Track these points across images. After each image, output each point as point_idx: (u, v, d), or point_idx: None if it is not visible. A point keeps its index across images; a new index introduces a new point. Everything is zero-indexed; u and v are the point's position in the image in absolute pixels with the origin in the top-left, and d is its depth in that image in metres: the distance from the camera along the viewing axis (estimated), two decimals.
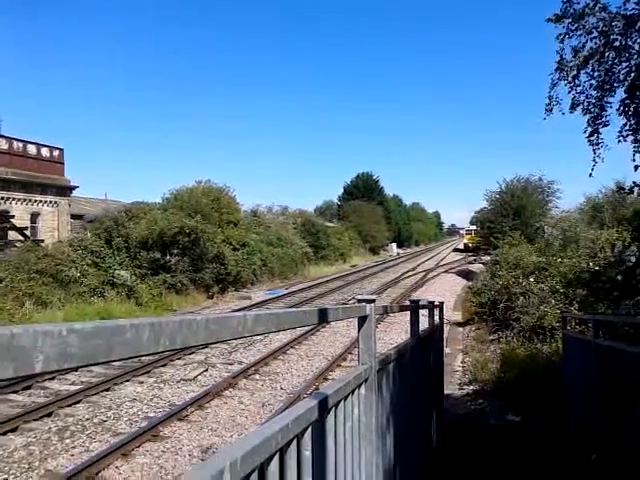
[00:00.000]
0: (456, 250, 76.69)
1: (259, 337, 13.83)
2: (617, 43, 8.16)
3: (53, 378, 10.25)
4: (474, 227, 63.98)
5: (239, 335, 1.36)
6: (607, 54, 8.26)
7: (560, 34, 8.32)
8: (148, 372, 11.03)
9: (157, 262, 21.97)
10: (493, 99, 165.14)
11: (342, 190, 73.53)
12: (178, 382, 10.52)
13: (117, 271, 20.45)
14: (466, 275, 32.71)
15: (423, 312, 5.53)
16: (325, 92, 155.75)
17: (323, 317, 2.10)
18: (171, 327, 1.04)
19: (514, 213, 31.87)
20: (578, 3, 8.13)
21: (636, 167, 8.48)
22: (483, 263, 30.41)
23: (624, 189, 10.67)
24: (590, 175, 8.85)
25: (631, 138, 8.43)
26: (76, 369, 9.77)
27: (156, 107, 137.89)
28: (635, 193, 10.01)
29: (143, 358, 10.68)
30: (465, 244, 71.35)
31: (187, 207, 25.83)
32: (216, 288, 24.43)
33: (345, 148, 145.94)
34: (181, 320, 1.08)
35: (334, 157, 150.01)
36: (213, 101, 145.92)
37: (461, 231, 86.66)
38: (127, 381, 10.41)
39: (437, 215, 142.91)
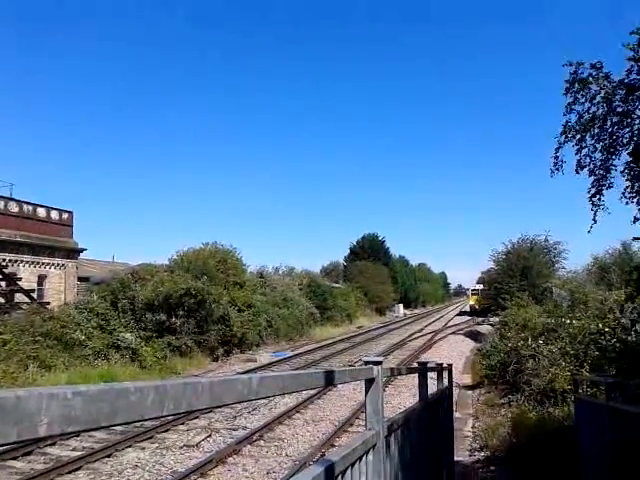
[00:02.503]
0: (462, 314, 68.50)
1: (264, 401, 13.57)
2: (619, 109, 8.49)
3: (54, 443, 10.01)
4: (480, 286, 61.07)
5: (244, 398, 1.35)
6: (610, 119, 8.57)
7: (569, 103, 8.75)
8: (150, 437, 10.78)
9: (162, 324, 21.85)
10: (498, 158, 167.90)
11: (348, 251, 73.77)
12: (181, 448, 10.25)
13: (122, 334, 20.31)
14: (474, 336, 32.28)
15: (431, 375, 5.44)
16: (331, 156, 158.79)
17: (329, 380, 2.08)
18: (176, 390, 1.04)
19: (521, 274, 31.81)
20: (582, 73, 8.56)
21: (635, 219, 8.66)
22: (491, 324, 30.09)
23: (637, 238, 10.77)
24: (588, 232, 9.14)
25: (636, 199, 8.62)
26: (78, 434, 9.58)
27: (164, 171, 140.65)
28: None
29: (145, 423, 10.48)
30: (471, 306, 65.62)
31: (193, 269, 25.91)
32: (221, 350, 24.16)
33: (351, 210, 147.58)
34: (185, 383, 1.08)
35: (340, 218, 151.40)
36: (220, 165, 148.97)
37: (467, 291, 76.43)
38: (129, 447, 10.16)
39: (443, 275, 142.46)
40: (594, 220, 8.91)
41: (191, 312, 22.58)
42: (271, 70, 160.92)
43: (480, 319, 46.21)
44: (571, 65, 8.66)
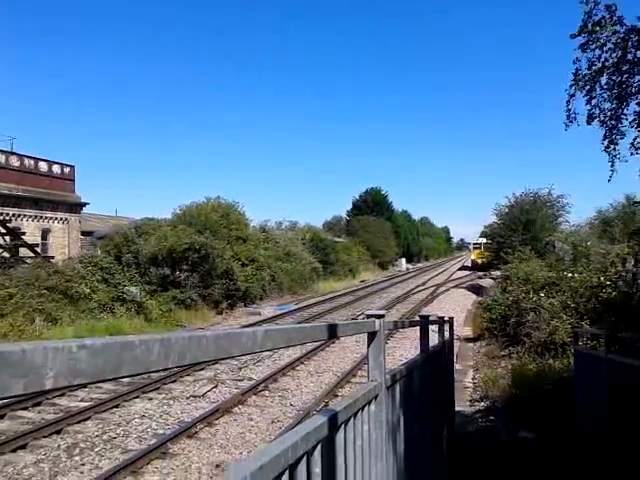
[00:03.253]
0: (464, 268, 66.46)
1: (268, 353, 13.79)
2: (630, 56, 8.20)
3: (62, 395, 10.24)
4: (483, 239, 56.48)
5: (249, 351, 1.36)
6: (621, 67, 8.30)
7: (582, 44, 8.38)
8: (157, 389, 11.01)
9: (167, 278, 22.03)
10: (504, 111, 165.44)
11: (351, 205, 73.66)
12: (187, 399, 10.48)
13: (127, 287, 20.51)
14: (476, 290, 32.52)
15: (433, 328, 5.50)
16: (335, 108, 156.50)
17: (332, 333, 2.09)
18: (180, 343, 1.04)
19: (524, 228, 31.75)
20: (596, 15, 8.18)
21: None
22: (493, 278, 30.26)
23: (637, 202, 10.68)
24: (609, 180, 8.95)
25: None
26: (85, 385, 9.78)
27: (166, 124, 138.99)
28: None
29: (152, 375, 10.68)
30: (473, 261, 62.95)
31: (196, 223, 25.96)
32: (225, 304, 24.44)
33: (354, 163, 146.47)
34: (190, 336, 1.08)
35: (343, 172, 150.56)
36: (223, 118, 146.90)
37: (469, 245, 71.75)
38: (136, 398, 10.39)
39: (446, 230, 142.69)
40: (612, 170, 8.75)
41: (195, 266, 22.73)
42: (278, 22, 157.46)
43: (482, 274, 44.85)
44: (587, 4, 8.24)
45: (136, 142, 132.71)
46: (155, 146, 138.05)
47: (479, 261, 56.73)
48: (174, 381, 11.58)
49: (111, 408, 9.69)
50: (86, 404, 9.79)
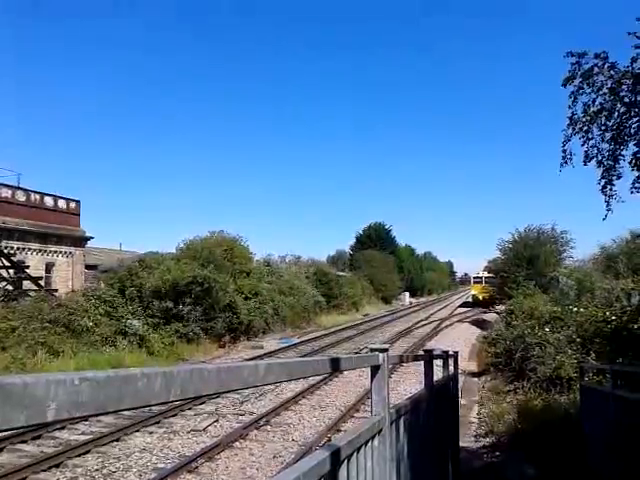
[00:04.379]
0: (465, 305, 60.26)
1: (271, 387, 13.65)
2: (627, 99, 8.41)
3: (63, 428, 10.12)
4: (485, 273, 52.43)
5: (250, 384, 1.36)
6: (618, 108, 8.50)
7: (572, 92, 8.67)
8: (158, 422, 10.88)
9: (169, 311, 21.96)
10: (506, 149, 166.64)
11: (354, 240, 73.73)
12: (188, 433, 10.35)
13: (129, 320, 20.45)
14: (480, 324, 32.32)
15: (437, 362, 5.46)
16: (338, 145, 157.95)
17: (335, 366, 2.09)
18: (182, 376, 1.04)
19: (527, 263, 31.66)
20: (587, 63, 8.47)
21: None
22: (497, 312, 30.09)
23: (638, 236, 10.79)
24: (604, 219, 9.08)
25: None
26: (87, 418, 9.68)
27: (170, 160, 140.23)
28: None
29: (153, 408, 10.57)
30: (474, 296, 56.80)
31: (200, 257, 25.99)
32: (228, 337, 24.29)
33: (357, 199, 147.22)
34: (192, 369, 1.08)
35: (347, 208, 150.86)
36: (228, 154, 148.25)
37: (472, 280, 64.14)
38: (137, 431, 10.26)
39: (450, 264, 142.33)
40: (608, 210, 8.89)
41: (198, 300, 22.68)
42: (273, 54, 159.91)
43: (483, 310, 42.92)
44: (573, 56, 8.59)
45: (141, 177, 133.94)
46: (160, 181, 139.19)
47: (480, 297, 51.98)
48: (175, 415, 11.45)
49: (111, 442, 9.57)
50: (86, 437, 9.67)
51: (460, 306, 60.24)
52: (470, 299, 61.31)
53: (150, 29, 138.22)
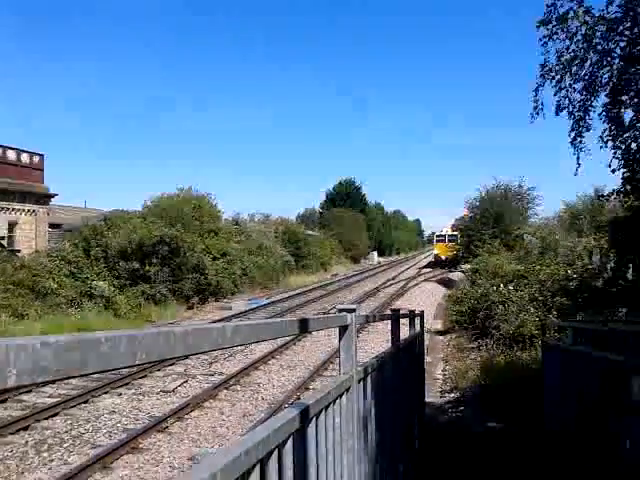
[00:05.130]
0: (428, 266, 55.48)
1: (240, 348, 13.74)
2: (599, 47, 8.20)
3: (30, 391, 10.05)
4: (447, 230, 51.69)
5: (218, 347, 1.35)
6: (590, 57, 8.29)
7: (544, 36, 8.36)
8: (127, 384, 10.89)
9: (136, 272, 21.74)
10: (473, 103, 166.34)
11: (324, 197, 73.62)
12: (158, 394, 10.39)
13: (95, 282, 20.20)
14: (446, 283, 32.89)
15: (404, 321, 5.54)
16: (308, 98, 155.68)
17: (304, 327, 2.09)
18: (148, 340, 1.02)
19: (494, 221, 32.14)
20: (562, 6, 8.17)
21: (614, 170, 8.62)
22: (463, 271, 30.66)
23: (603, 196, 10.87)
24: (575, 174, 9.01)
25: (611, 144, 8.51)
26: (53, 382, 9.60)
27: (136, 115, 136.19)
28: (612, 200, 10.16)
29: (122, 370, 10.55)
30: (436, 256, 53.37)
31: (167, 215, 25.65)
32: (196, 298, 24.22)
33: (328, 155, 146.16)
34: (158, 332, 1.06)
35: (317, 165, 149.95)
36: (196, 109, 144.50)
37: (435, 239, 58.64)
38: (106, 393, 10.26)
39: (418, 223, 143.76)
40: (578, 163, 8.82)
41: (165, 260, 22.48)
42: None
43: (447, 270, 41.50)
44: None
45: (106, 132, 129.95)
46: (125, 136, 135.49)
47: (443, 256, 49.56)
48: (144, 376, 11.46)
49: (80, 404, 9.55)
50: (54, 400, 9.62)
51: (425, 267, 55.84)
52: (432, 258, 58.26)
53: None
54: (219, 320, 17.26)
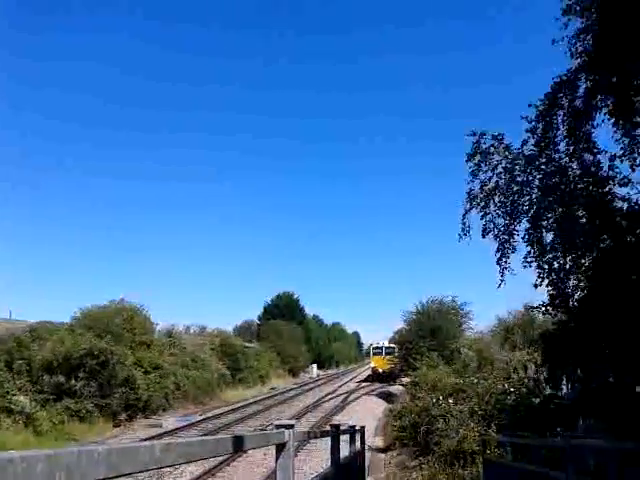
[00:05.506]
0: (365, 380, 51.55)
1: (169, 469, 12.84)
2: (519, 179, 9.17)
3: None
4: (384, 342, 49.79)
5: (147, 467, 1.26)
6: (511, 187, 9.23)
7: (472, 169, 9.38)
8: None
9: (61, 386, 20.50)
10: (409, 224, 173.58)
11: (262, 309, 73.05)
12: None
13: (15, 397, 18.84)
14: (386, 397, 32.45)
15: (344, 437, 5.37)
16: (246, 210, 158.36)
17: (238, 445, 1.99)
18: (69, 459, 0.94)
19: (431, 334, 32.54)
20: (485, 143, 9.26)
21: (536, 286, 9.26)
22: (403, 385, 30.44)
23: (533, 308, 11.45)
24: (498, 287, 9.60)
25: (535, 264, 9.21)
26: None
27: (68, 222, 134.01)
28: (541, 314, 10.67)
29: None
30: (373, 369, 50.27)
31: (97, 327, 24.69)
32: (124, 415, 22.84)
33: (266, 268, 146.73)
34: (80, 451, 0.98)
35: (255, 276, 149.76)
36: (129, 220, 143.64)
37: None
38: None
39: (357, 335, 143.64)
40: (502, 280, 9.43)
41: (93, 374, 21.36)
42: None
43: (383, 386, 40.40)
44: (474, 135, 9.34)
45: (35, 241, 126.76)
46: (56, 246, 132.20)
47: (380, 369, 47.57)
48: None
49: None
50: None
51: (364, 380, 52.56)
52: (369, 372, 53.90)
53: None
54: (147, 439, 16.18)
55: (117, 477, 1.20)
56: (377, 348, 51.37)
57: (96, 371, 21.46)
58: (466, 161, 9.43)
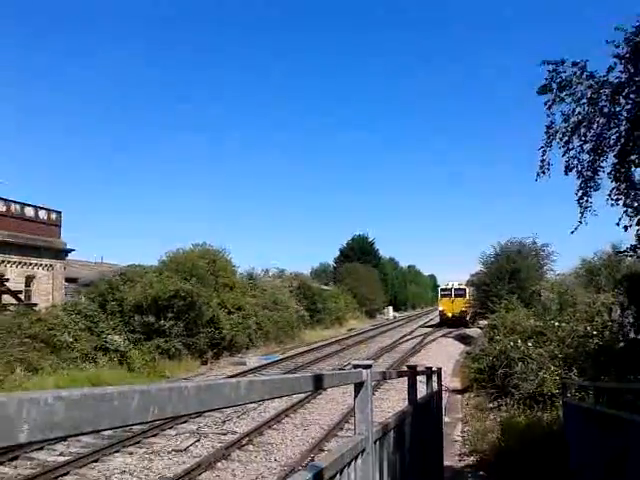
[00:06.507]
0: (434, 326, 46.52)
1: (253, 405, 13.51)
2: (606, 109, 8.47)
3: (41, 448, 9.89)
4: (454, 283, 46.60)
5: (232, 403, 1.33)
6: (597, 120, 8.55)
7: (548, 101, 8.69)
8: (138, 442, 10.68)
9: (151, 326, 21.71)
10: (488, 159, 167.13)
11: (338, 252, 73.75)
12: (169, 453, 10.17)
13: (110, 336, 20.18)
14: (464, 339, 32.39)
15: (421, 378, 5.43)
16: (321, 156, 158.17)
17: (319, 384, 2.06)
18: (161, 395, 1.01)
19: (510, 276, 31.86)
20: (565, 71, 8.51)
21: (626, 227, 8.67)
22: (480, 327, 30.21)
23: (621, 252, 10.85)
24: (572, 232, 9.07)
25: (621, 201, 8.64)
26: (65, 439, 9.46)
27: (153, 171, 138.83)
28: (628, 256, 10.12)
29: (133, 428, 10.39)
30: (442, 313, 46.68)
31: (183, 270, 25.78)
32: (210, 353, 24.05)
33: (341, 211, 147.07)
34: (171, 388, 1.05)
35: (330, 220, 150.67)
36: (210, 164, 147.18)
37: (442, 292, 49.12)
38: (116, 452, 10.06)
39: (433, 278, 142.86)
40: (580, 221, 8.91)
41: (180, 314, 22.46)
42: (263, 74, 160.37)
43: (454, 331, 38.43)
44: (550, 64, 8.60)
45: (123, 188, 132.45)
46: (142, 192, 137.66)
47: (450, 314, 44.30)
48: (155, 434, 11.25)
49: (90, 463, 9.36)
50: (65, 458, 9.46)
51: (434, 325, 48.45)
52: (437, 319, 50.37)
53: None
54: (233, 376, 17.05)
55: (205, 412, 1.28)
56: (445, 290, 47.85)
57: (183, 312, 22.53)
58: (538, 93, 8.76)
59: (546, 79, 8.65)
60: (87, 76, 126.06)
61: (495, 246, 34.88)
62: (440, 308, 48.04)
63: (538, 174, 9.14)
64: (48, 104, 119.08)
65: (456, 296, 44.24)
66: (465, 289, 44.09)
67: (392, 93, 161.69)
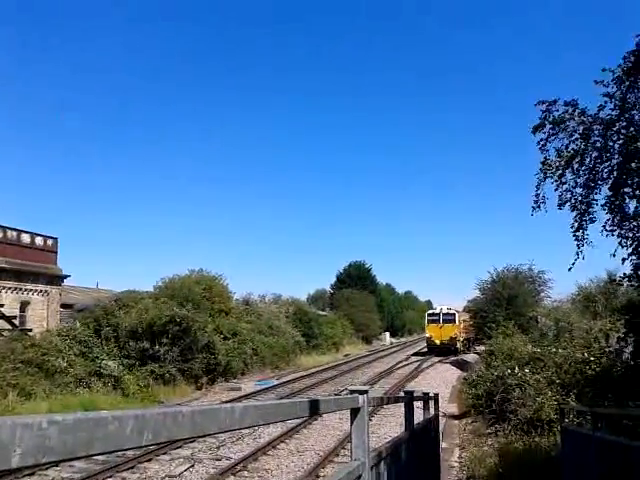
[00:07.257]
0: (418, 354, 43.65)
1: (248, 430, 13.36)
2: (598, 144, 8.73)
3: (32, 474, 9.74)
4: (442, 308, 42.98)
5: (226, 428, 1.32)
6: (589, 154, 8.80)
7: (541, 140, 9.05)
8: (132, 467, 10.53)
9: (146, 352, 21.58)
10: (486, 191, 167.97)
11: (335, 279, 73.67)
12: (163, 479, 10.03)
13: (104, 361, 20.02)
14: (460, 365, 32.22)
15: (418, 404, 5.40)
16: (320, 183, 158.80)
17: (314, 409, 2.05)
18: (155, 419, 1.01)
19: (507, 302, 31.88)
20: (557, 110, 8.85)
21: (623, 260, 8.82)
22: (478, 353, 30.07)
23: (615, 281, 10.97)
24: (569, 269, 9.26)
25: (616, 232, 8.81)
26: (57, 464, 9.34)
27: (149, 197, 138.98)
28: (625, 284, 10.22)
29: (127, 452, 10.25)
30: (429, 340, 42.67)
31: (179, 296, 25.71)
32: (205, 379, 23.86)
33: (338, 238, 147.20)
34: (166, 412, 1.05)
35: (327, 246, 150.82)
36: (208, 192, 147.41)
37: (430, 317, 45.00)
38: (109, 477, 9.91)
39: (429, 304, 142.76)
40: (577, 255, 9.05)
41: (175, 340, 22.34)
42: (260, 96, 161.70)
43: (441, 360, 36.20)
44: (543, 103, 8.97)
45: (119, 216, 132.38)
46: (138, 220, 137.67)
47: (437, 340, 40.64)
48: (149, 460, 11.10)
49: None
50: None
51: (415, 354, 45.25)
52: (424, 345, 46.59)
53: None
54: (228, 401, 16.89)
55: (200, 437, 1.27)
56: (432, 315, 43.71)
57: (178, 337, 22.41)
58: (532, 132, 9.12)
59: (540, 118, 9.01)
60: (87, 93, 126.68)
61: (492, 272, 34.95)
62: (427, 334, 43.93)
63: (533, 208, 9.38)
64: (40, 126, 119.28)
65: (445, 322, 41.17)
66: (455, 314, 42.22)
67: (391, 121, 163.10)
